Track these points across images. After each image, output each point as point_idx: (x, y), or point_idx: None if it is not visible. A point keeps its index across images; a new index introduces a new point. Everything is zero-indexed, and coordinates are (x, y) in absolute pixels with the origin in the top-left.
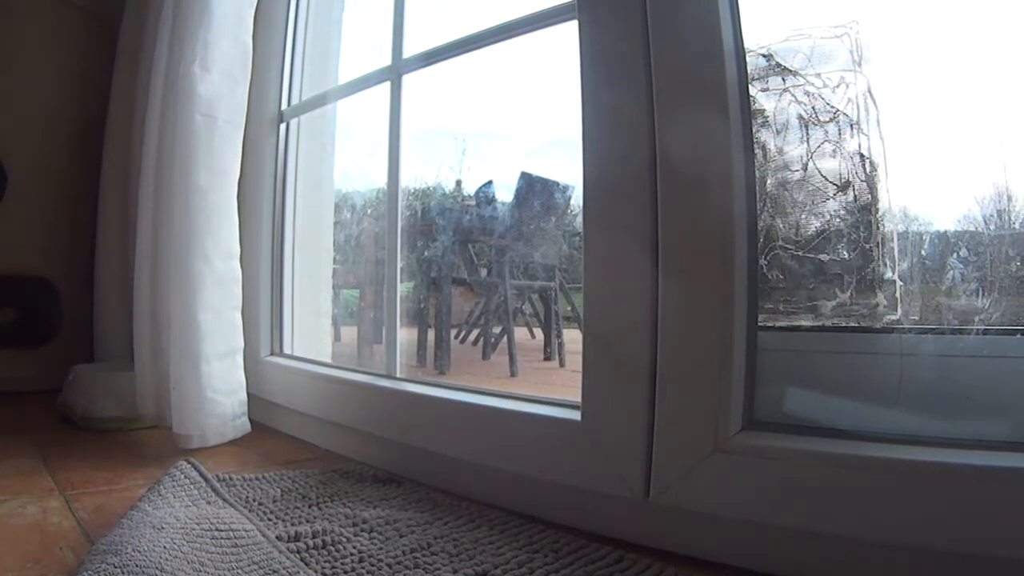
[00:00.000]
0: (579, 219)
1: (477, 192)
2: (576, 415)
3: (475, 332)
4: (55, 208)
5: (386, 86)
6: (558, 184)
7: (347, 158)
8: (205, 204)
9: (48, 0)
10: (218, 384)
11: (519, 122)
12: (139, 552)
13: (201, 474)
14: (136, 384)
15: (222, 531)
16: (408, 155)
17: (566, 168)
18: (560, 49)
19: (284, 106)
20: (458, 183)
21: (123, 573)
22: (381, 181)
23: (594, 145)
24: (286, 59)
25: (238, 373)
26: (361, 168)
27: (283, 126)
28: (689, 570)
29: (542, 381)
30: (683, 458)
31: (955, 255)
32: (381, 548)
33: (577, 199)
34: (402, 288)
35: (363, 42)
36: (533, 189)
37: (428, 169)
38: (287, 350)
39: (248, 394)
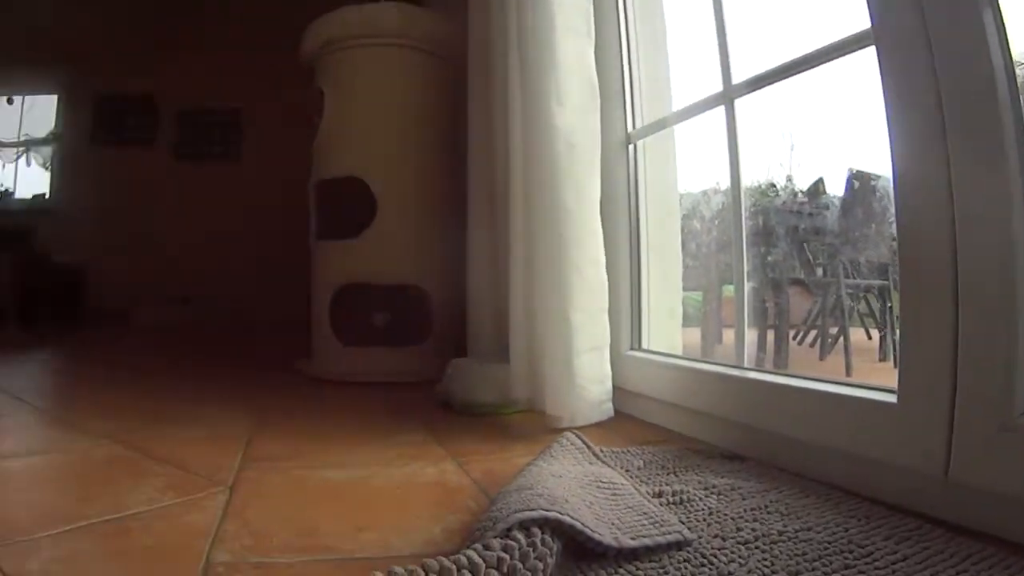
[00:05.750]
0: None
1: (809, 190)
2: (892, 398)
3: (812, 333)
4: (421, 226)
5: (720, 109)
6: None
7: (685, 169)
8: (572, 221)
9: (405, 46)
10: (587, 373)
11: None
12: (547, 489)
13: (584, 442)
14: (511, 373)
15: (604, 483)
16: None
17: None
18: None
19: (630, 129)
20: (788, 179)
21: (542, 499)
22: (706, 186)
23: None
24: (625, 89)
25: (605, 366)
26: (697, 177)
27: (631, 147)
28: (982, 544)
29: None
30: (979, 438)
31: None
32: (727, 507)
33: None
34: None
35: (688, 66)
36: (865, 183)
37: (756, 168)
38: (644, 345)
39: (612, 385)
